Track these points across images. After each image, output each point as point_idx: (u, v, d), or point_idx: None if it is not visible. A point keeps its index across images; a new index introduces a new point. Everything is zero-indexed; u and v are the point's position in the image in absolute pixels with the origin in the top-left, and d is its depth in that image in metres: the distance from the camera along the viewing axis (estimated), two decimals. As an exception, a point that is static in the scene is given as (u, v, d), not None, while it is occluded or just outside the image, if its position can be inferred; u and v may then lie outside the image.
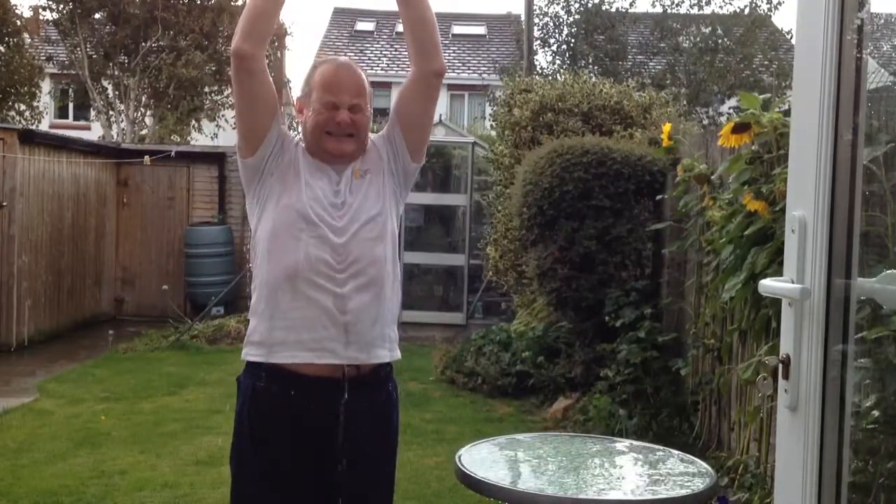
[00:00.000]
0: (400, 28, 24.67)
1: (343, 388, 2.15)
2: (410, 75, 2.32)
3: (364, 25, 24.60)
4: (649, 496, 2.20)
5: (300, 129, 2.32)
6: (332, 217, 2.17)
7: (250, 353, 2.20)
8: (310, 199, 2.17)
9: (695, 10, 16.64)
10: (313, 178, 2.21)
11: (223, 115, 17.00)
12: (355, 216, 2.20)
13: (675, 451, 2.56)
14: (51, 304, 9.34)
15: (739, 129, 3.48)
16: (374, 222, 2.21)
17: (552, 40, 16.96)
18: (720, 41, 16.26)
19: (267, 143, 2.20)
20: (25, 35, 15.31)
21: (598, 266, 5.98)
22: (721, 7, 16.62)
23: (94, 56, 15.92)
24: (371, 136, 2.33)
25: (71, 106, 21.15)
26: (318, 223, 2.15)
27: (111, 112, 16.22)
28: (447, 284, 10.81)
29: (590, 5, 16.63)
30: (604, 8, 16.64)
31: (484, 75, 20.20)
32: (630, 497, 2.20)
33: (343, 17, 25.07)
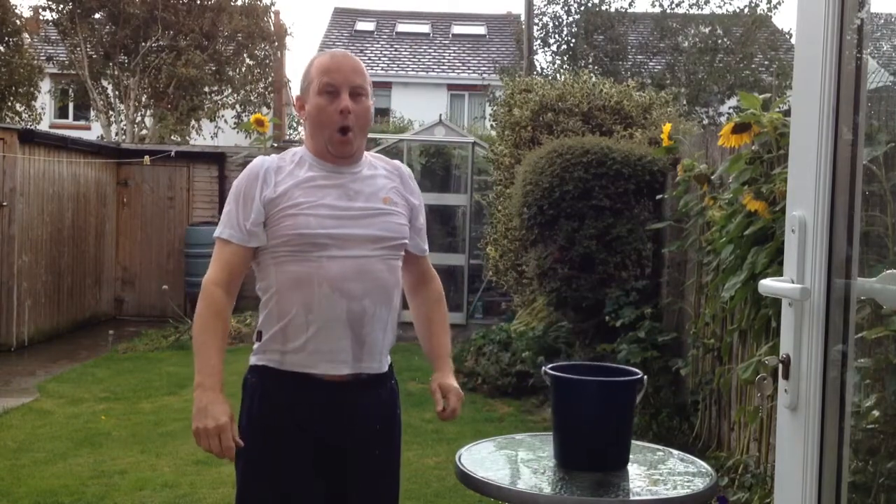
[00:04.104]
0: (400, 28, 24.53)
1: (353, 387, 2.17)
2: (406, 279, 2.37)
3: (364, 25, 24.59)
4: (649, 496, 2.20)
5: (304, 127, 2.27)
6: (348, 227, 2.13)
7: (261, 360, 2.20)
8: (318, 220, 2.11)
9: (694, 10, 16.63)
10: (318, 196, 2.14)
11: (223, 116, 17.02)
12: (374, 227, 2.17)
13: (675, 451, 2.56)
14: (51, 304, 9.34)
15: (739, 129, 3.48)
16: (394, 239, 2.22)
17: (552, 40, 16.95)
18: (720, 41, 16.26)
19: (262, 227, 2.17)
20: (25, 35, 15.30)
21: (598, 266, 5.98)
22: (720, 7, 16.62)
23: (94, 56, 15.92)
24: (407, 196, 2.30)
25: (71, 106, 21.13)
26: (329, 243, 2.12)
27: (111, 112, 16.22)
28: (447, 284, 10.78)
29: (589, 4, 16.63)
30: (603, 8, 16.64)
31: (484, 75, 20.19)
32: (630, 497, 2.20)
33: (343, 17, 25.06)
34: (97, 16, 16.00)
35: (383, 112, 19.46)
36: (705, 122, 14.97)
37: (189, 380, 7.14)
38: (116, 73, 15.83)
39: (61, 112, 21.53)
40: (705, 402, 4.93)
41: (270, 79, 18.33)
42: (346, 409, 2.17)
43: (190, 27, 15.70)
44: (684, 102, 14.65)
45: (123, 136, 15.28)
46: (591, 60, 16.30)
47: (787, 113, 3.27)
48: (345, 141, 2.16)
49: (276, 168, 2.17)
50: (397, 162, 2.37)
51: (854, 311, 1.53)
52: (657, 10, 16.66)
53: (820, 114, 1.51)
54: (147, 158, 10.36)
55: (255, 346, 2.23)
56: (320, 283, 2.10)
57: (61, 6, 15.68)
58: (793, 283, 1.55)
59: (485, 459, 2.40)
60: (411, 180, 2.35)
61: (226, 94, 17.28)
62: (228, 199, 2.19)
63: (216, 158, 11.12)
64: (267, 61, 18.08)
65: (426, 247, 2.41)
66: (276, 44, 18.37)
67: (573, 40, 16.69)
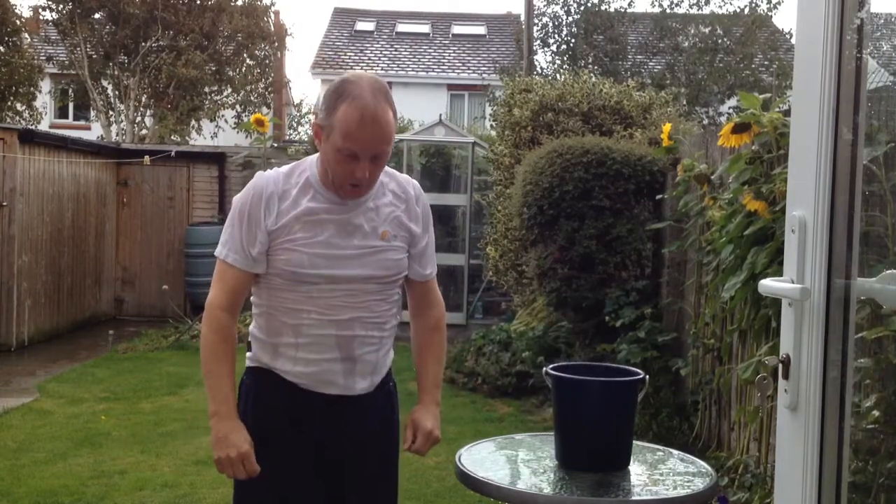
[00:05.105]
0: (400, 28, 24.47)
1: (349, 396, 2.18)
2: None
3: (364, 25, 24.57)
4: (649, 496, 2.20)
5: (316, 143, 2.20)
6: (340, 267, 2.11)
7: (255, 363, 2.22)
8: (311, 259, 2.09)
9: (694, 10, 16.63)
10: (315, 232, 2.11)
11: (223, 116, 17.02)
12: (368, 266, 2.14)
13: (675, 451, 2.56)
14: (51, 304, 9.34)
15: (739, 129, 3.48)
16: (388, 276, 2.18)
17: (552, 40, 16.95)
18: (720, 41, 16.26)
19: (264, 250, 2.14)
20: (25, 35, 15.30)
21: (598, 266, 5.98)
22: (720, 7, 16.62)
23: (94, 56, 15.92)
24: (409, 225, 2.22)
25: (71, 106, 21.13)
26: (320, 281, 2.11)
27: (111, 112, 16.22)
28: (447, 284, 10.80)
29: (589, 5, 16.63)
30: (603, 8, 16.63)
31: (484, 75, 20.19)
32: (630, 497, 2.20)
33: (343, 17, 25.05)
34: (97, 16, 16.00)
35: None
36: (705, 122, 14.96)
37: (188, 379, 7.18)
38: (116, 73, 15.83)
39: (61, 112, 21.53)
40: (705, 402, 4.93)
41: (270, 79, 18.33)
42: (343, 412, 2.17)
43: (190, 27, 15.70)
44: (684, 102, 14.65)
45: (123, 136, 15.28)
46: (590, 60, 16.30)
47: (787, 113, 3.27)
48: (355, 193, 2.12)
49: (280, 193, 2.12)
50: (407, 181, 2.27)
51: (854, 311, 1.53)
52: (657, 10, 16.66)
53: (820, 114, 1.51)
54: (147, 158, 10.36)
55: (248, 354, 2.24)
56: (309, 311, 2.11)
57: (61, 6, 15.68)
58: (793, 283, 1.55)
59: (485, 459, 2.40)
60: (418, 204, 2.25)
61: (226, 94, 17.28)
62: (231, 218, 2.15)
63: (216, 158, 11.12)
64: (267, 61, 18.08)
65: (429, 271, 2.31)
66: (276, 44, 18.37)
67: (573, 40, 16.69)
